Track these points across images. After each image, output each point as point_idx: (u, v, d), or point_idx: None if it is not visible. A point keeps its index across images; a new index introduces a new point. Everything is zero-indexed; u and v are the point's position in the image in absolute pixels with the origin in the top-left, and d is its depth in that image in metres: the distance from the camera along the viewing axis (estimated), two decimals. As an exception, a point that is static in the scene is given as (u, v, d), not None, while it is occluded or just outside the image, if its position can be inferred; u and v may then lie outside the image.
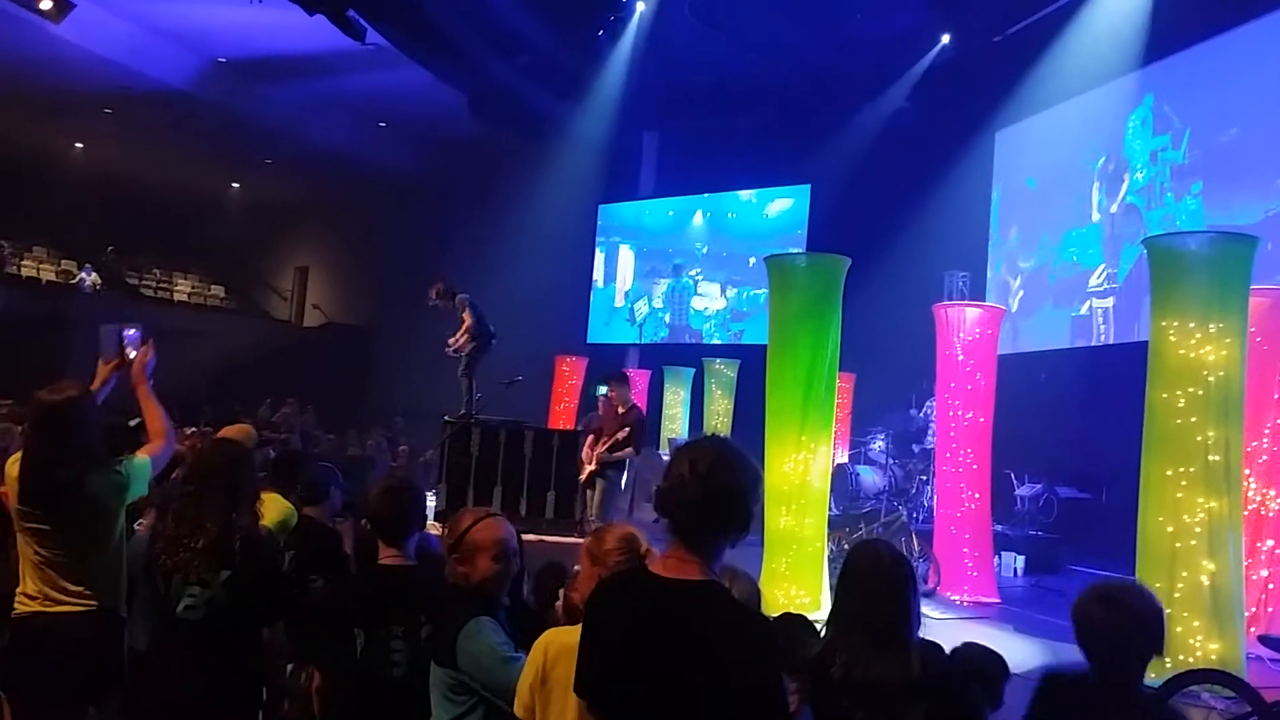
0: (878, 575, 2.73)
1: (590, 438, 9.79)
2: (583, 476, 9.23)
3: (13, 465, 3.50)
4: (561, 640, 2.56)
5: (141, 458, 3.58)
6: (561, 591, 3.15)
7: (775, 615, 2.81)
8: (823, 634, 2.77)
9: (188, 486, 3.47)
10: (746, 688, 2.06)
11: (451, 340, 10.83)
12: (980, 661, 3.10)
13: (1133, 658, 2.67)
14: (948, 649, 2.96)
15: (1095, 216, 13.49)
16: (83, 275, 22.24)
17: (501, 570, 2.96)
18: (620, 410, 9.15)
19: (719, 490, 2.16)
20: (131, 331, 3.76)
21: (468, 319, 10.68)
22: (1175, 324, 6.31)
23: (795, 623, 3.09)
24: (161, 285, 26.10)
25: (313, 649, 3.29)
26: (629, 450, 9.01)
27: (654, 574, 2.20)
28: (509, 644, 2.82)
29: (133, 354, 3.75)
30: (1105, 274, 13.11)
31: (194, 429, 9.43)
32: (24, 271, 22.95)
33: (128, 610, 3.57)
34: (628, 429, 9.11)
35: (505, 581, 2.99)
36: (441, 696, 2.87)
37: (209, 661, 3.26)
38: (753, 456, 2.28)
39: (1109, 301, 12.98)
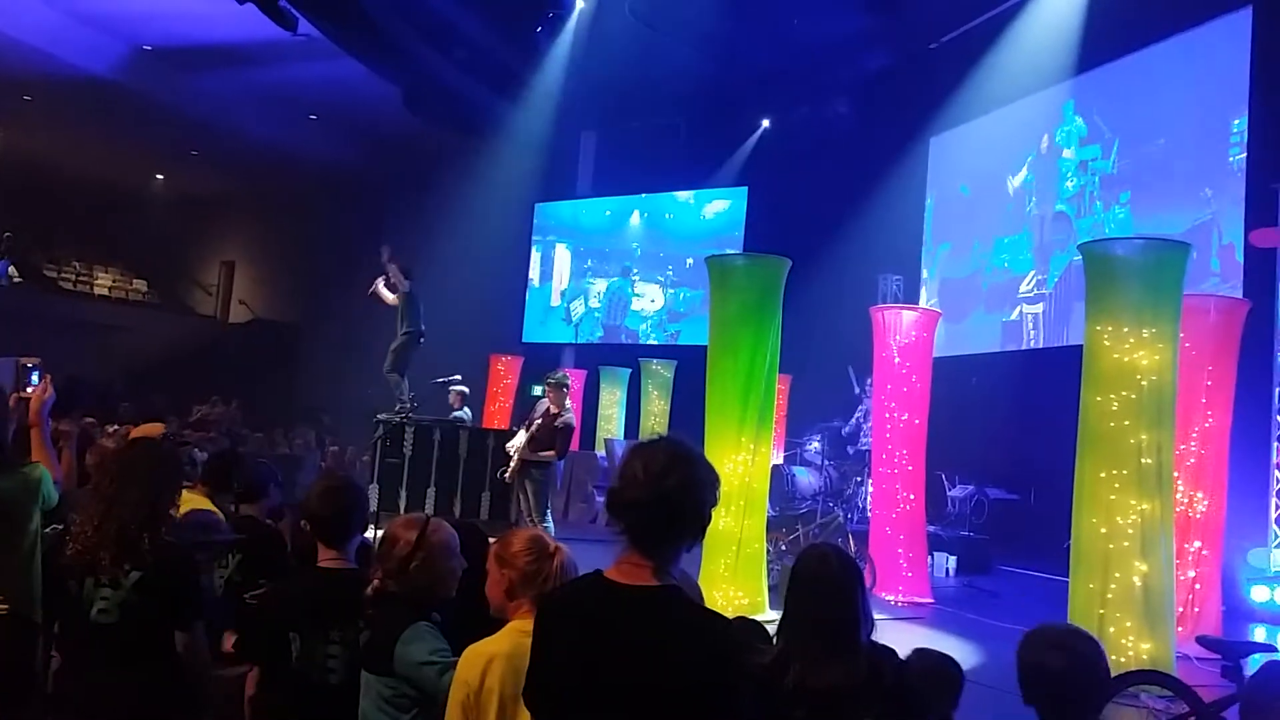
0: (828, 579, 2.67)
1: (522, 431, 9.55)
2: (508, 475, 9.06)
3: None
4: (484, 650, 2.50)
5: (47, 470, 3.45)
6: None
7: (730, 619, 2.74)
8: (774, 641, 2.70)
9: (100, 485, 3.30)
10: (707, 695, 2.00)
11: (376, 287, 10.77)
12: (936, 668, 3.06)
13: (1089, 709, 2.55)
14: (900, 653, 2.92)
15: (1026, 224, 13.73)
16: (-1, 266, 21.50)
17: (457, 570, 2.90)
18: (553, 411, 9.01)
19: (672, 491, 2.07)
20: (30, 364, 3.64)
21: (394, 300, 10.62)
22: (1109, 328, 6.40)
23: (748, 628, 3.03)
24: (81, 278, 25.35)
25: (250, 652, 3.15)
26: (547, 454, 8.87)
27: (609, 580, 2.11)
28: (447, 651, 2.73)
29: (31, 390, 3.61)
30: (1035, 280, 13.35)
31: (114, 427, 9.11)
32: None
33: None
34: (545, 431, 8.94)
35: (445, 587, 2.91)
36: (375, 707, 2.77)
37: (126, 667, 3.10)
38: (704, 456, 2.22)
39: (1039, 307, 13.23)
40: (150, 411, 13.16)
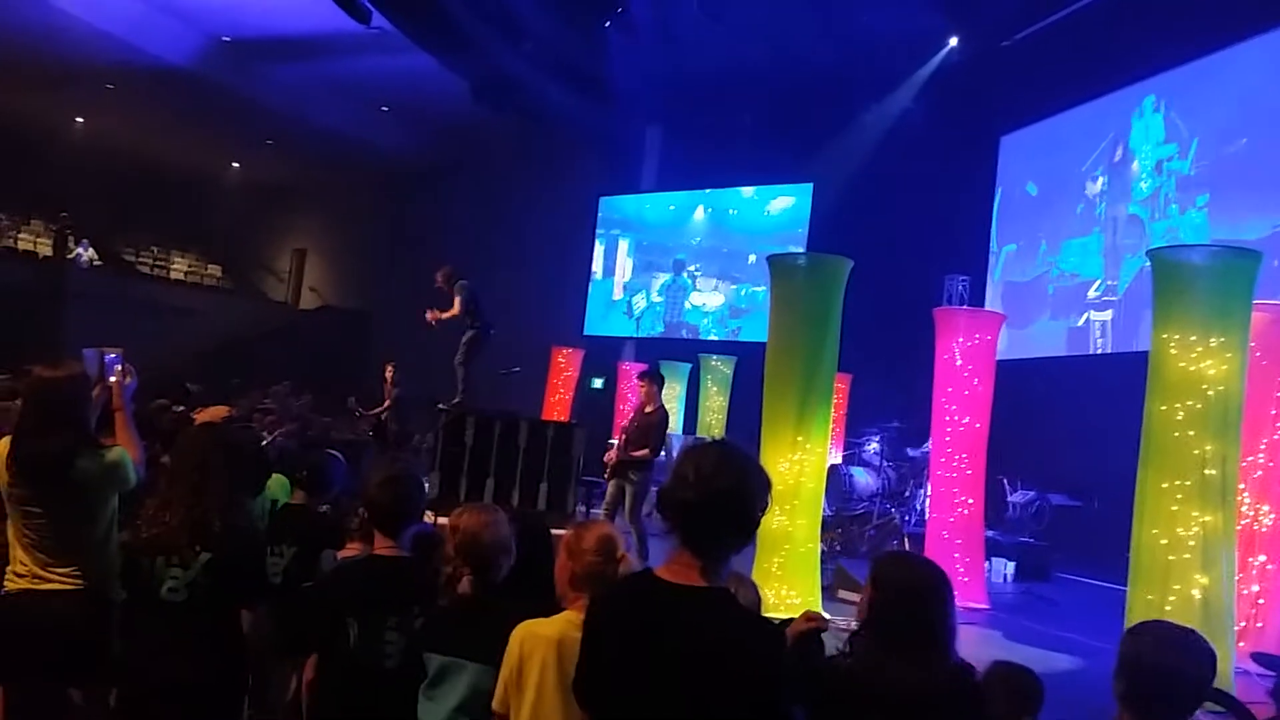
0: (918, 584, 2.60)
1: (621, 437, 9.46)
2: (606, 475, 8.98)
3: (4, 443, 3.49)
4: (535, 631, 2.58)
5: (126, 451, 3.56)
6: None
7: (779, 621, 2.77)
8: (848, 646, 2.67)
9: (171, 467, 3.43)
10: (750, 697, 2.05)
11: (431, 314, 10.84)
12: (1016, 680, 3.06)
13: (1184, 712, 2.47)
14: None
15: (1096, 226, 13.44)
16: (79, 250, 22.14)
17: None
18: (646, 410, 8.94)
19: (720, 492, 2.13)
20: (112, 355, 3.75)
21: (456, 305, 10.68)
22: (1176, 336, 6.29)
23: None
24: (158, 263, 26.02)
25: (308, 638, 3.26)
26: (644, 451, 8.73)
27: (659, 579, 2.17)
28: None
29: (113, 379, 3.73)
30: (1104, 286, 13.06)
31: (181, 408, 9.33)
32: (20, 245, 22.85)
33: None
34: (639, 430, 8.85)
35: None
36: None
37: (193, 644, 3.22)
38: (757, 460, 2.26)
39: (1107, 314, 12.94)
40: (221, 395, 13.49)
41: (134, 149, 24.36)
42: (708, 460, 2.18)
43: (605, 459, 9.07)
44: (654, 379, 9.10)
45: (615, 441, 8.99)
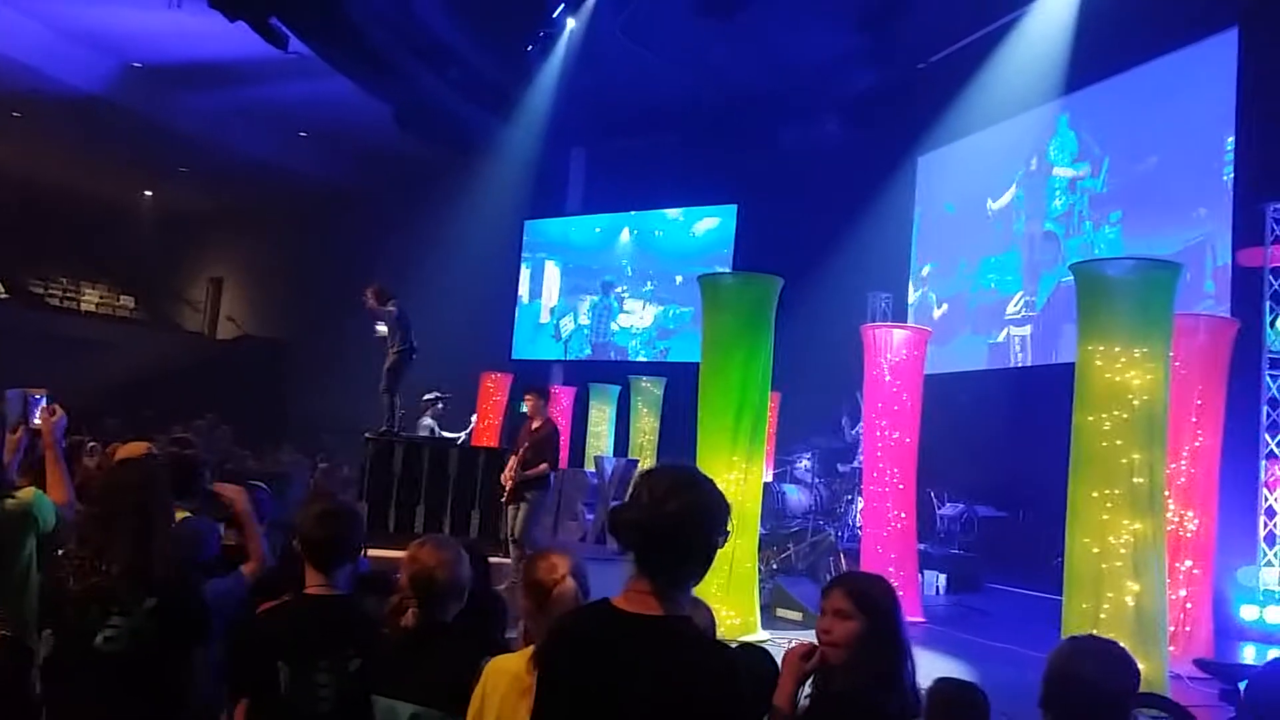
0: (893, 607, 2.52)
1: (513, 457, 9.56)
2: (504, 498, 9.00)
3: None
4: (501, 667, 2.51)
5: (43, 494, 3.44)
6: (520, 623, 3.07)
7: (734, 646, 2.71)
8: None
9: (94, 509, 3.25)
10: None
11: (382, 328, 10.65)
12: (960, 697, 3.03)
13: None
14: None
15: (1013, 243, 13.72)
16: (-16, 283, 21.41)
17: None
18: (534, 426, 8.98)
19: (672, 515, 2.06)
20: (38, 395, 3.66)
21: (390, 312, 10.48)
22: (1101, 348, 6.40)
23: (755, 655, 2.99)
24: (68, 295, 25.25)
25: (238, 682, 3.11)
26: (542, 466, 8.78)
27: (615, 609, 2.10)
28: None
29: (37, 421, 3.63)
30: (1023, 301, 13.32)
31: (93, 442, 9.00)
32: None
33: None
34: (532, 447, 8.88)
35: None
36: None
37: (126, 696, 3.05)
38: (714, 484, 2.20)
39: (1026, 329, 13.19)
40: (138, 428, 13.07)
41: (42, 178, 23.60)
42: (661, 483, 2.11)
43: (502, 479, 9.07)
44: (539, 393, 9.18)
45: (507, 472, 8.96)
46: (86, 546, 3.10)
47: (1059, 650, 2.52)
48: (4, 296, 21.69)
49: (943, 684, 3.13)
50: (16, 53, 16.55)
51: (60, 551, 3.49)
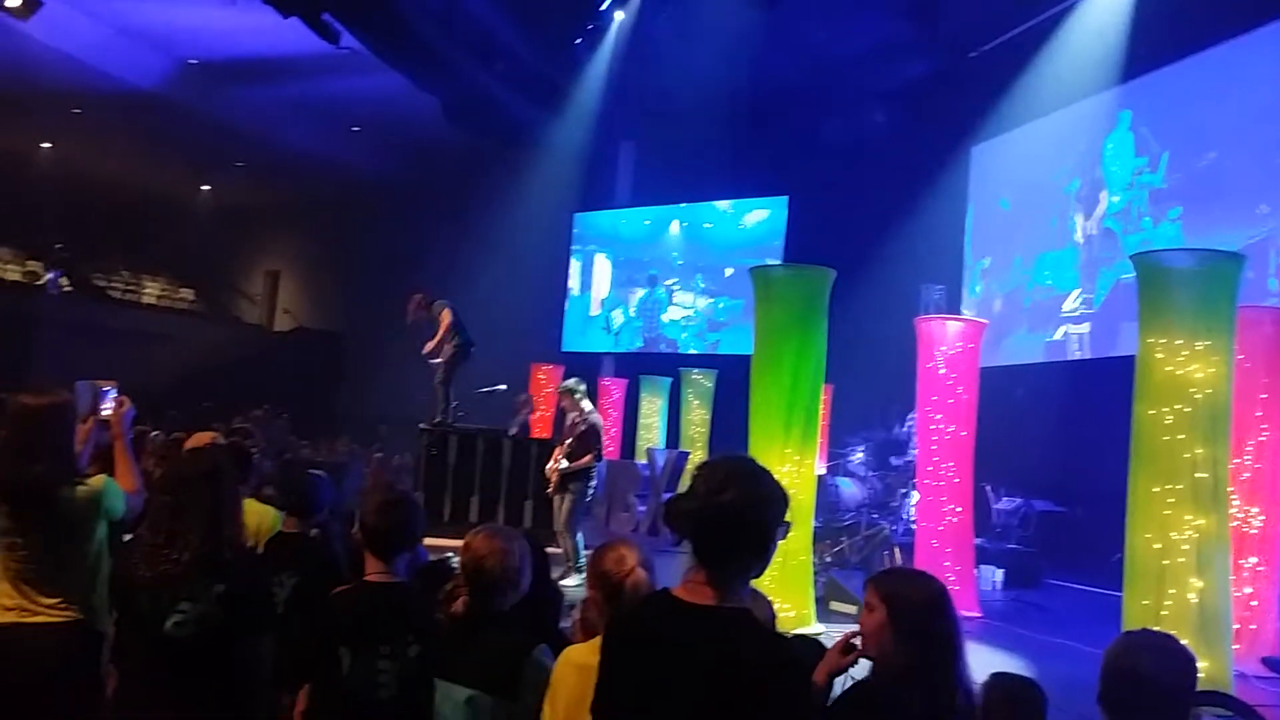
0: (934, 603, 2.52)
1: (555, 450, 9.65)
2: (550, 489, 9.12)
3: None
4: (571, 659, 2.53)
5: (113, 482, 3.53)
6: (575, 612, 3.10)
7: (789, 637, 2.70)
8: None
9: (164, 496, 3.33)
10: (770, 718, 1.98)
11: (429, 344, 10.70)
12: (1018, 693, 2.99)
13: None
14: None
15: (1071, 240, 13.45)
16: (50, 276, 21.88)
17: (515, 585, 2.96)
18: (574, 421, 9.09)
19: (727, 506, 2.07)
20: (107, 388, 3.76)
21: (446, 320, 10.56)
22: (1162, 341, 6.30)
23: (809, 647, 2.99)
24: (129, 288, 25.75)
25: (300, 668, 3.17)
26: (584, 460, 8.88)
27: (675, 599, 2.12)
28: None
29: (107, 411, 3.73)
30: (1081, 299, 13.06)
31: (156, 432, 9.22)
32: (-12, 273, 22.58)
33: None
34: (575, 441, 9.00)
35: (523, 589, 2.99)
36: None
37: (194, 681, 3.12)
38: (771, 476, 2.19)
39: (1084, 327, 12.94)
40: (198, 419, 13.32)
41: (103, 174, 24.11)
42: (717, 473, 2.13)
43: (546, 472, 9.18)
44: (569, 392, 9.24)
45: (552, 466, 9.08)
46: (157, 534, 3.18)
47: (1116, 646, 2.49)
48: (68, 290, 22.15)
49: (999, 678, 3.11)
50: (76, 50, 16.88)
51: (127, 538, 3.59)
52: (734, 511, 2.08)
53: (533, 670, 2.75)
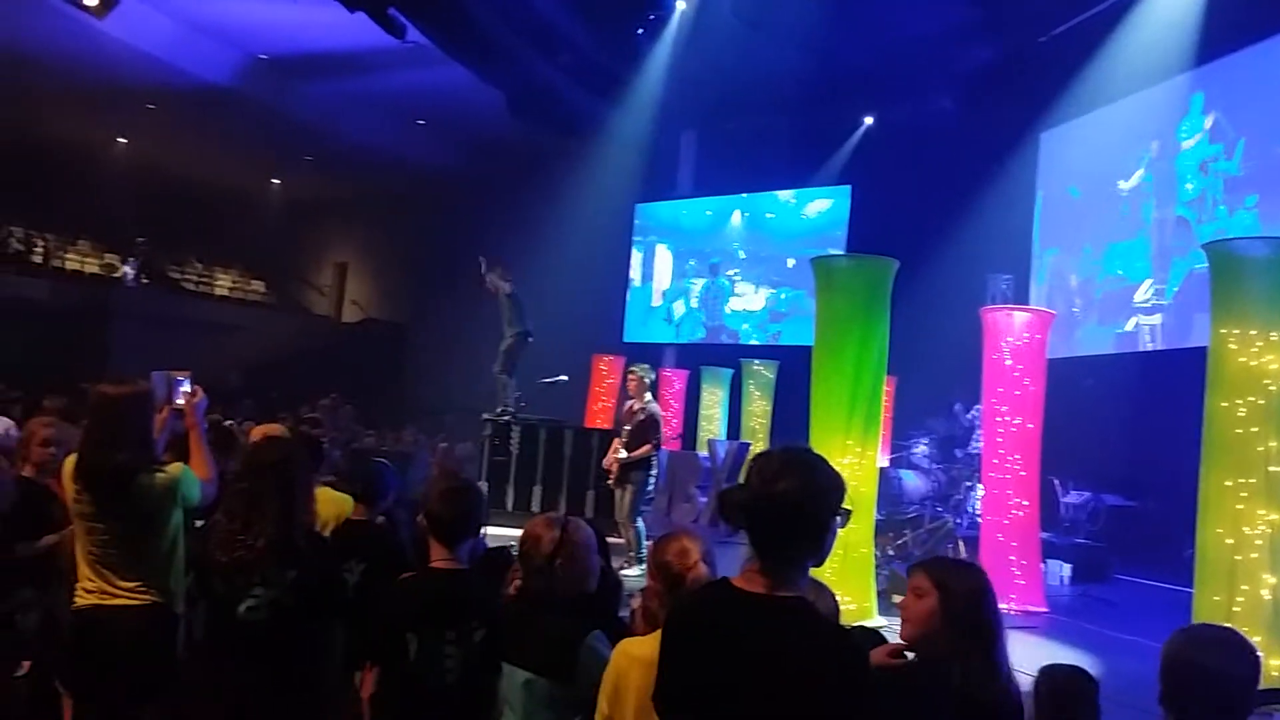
0: (981, 590, 2.64)
1: (615, 440, 9.73)
2: (610, 480, 9.18)
3: (70, 461, 3.54)
4: (631, 651, 2.55)
5: (189, 470, 3.63)
6: (635, 601, 3.14)
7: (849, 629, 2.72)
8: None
9: (241, 483, 3.44)
10: (827, 708, 1.99)
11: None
12: (1067, 684, 2.98)
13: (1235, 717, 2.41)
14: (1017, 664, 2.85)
15: (1142, 229, 13.14)
16: (125, 269, 22.47)
17: (596, 570, 3.02)
18: (633, 408, 9.13)
19: (780, 494, 2.08)
20: (181, 378, 3.86)
21: (505, 289, 10.76)
22: (1235, 331, 6.16)
23: (867, 638, 3.00)
24: (203, 279, 26.35)
25: (368, 652, 3.25)
26: (645, 449, 8.91)
27: (733, 588, 2.14)
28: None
29: (181, 401, 3.84)
30: (1153, 289, 12.75)
31: (230, 421, 9.44)
32: (68, 265, 23.22)
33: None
34: (634, 430, 9.04)
35: (587, 585, 3.01)
36: (541, 706, 2.85)
37: (267, 663, 3.22)
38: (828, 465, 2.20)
39: (1156, 318, 12.62)
40: (269, 409, 13.61)
41: (176, 168, 24.68)
42: (772, 463, 2.14)
43: (605, 464, 9.23)
44: (641, 377, 9.30)
45: (612, 456, 9.14)
46: (233, 519, 3.29)
47: (1177, 641, 2.45)
48: (145, 282, 22.74)
49: (1051, 669, 3.12)
50: (149, 46, 17.27)
51: (200, 524, 3.71)
52: (789, 501, 2.08)
53: (587, 656, 2.79)
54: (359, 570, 4.01)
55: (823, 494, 2.13)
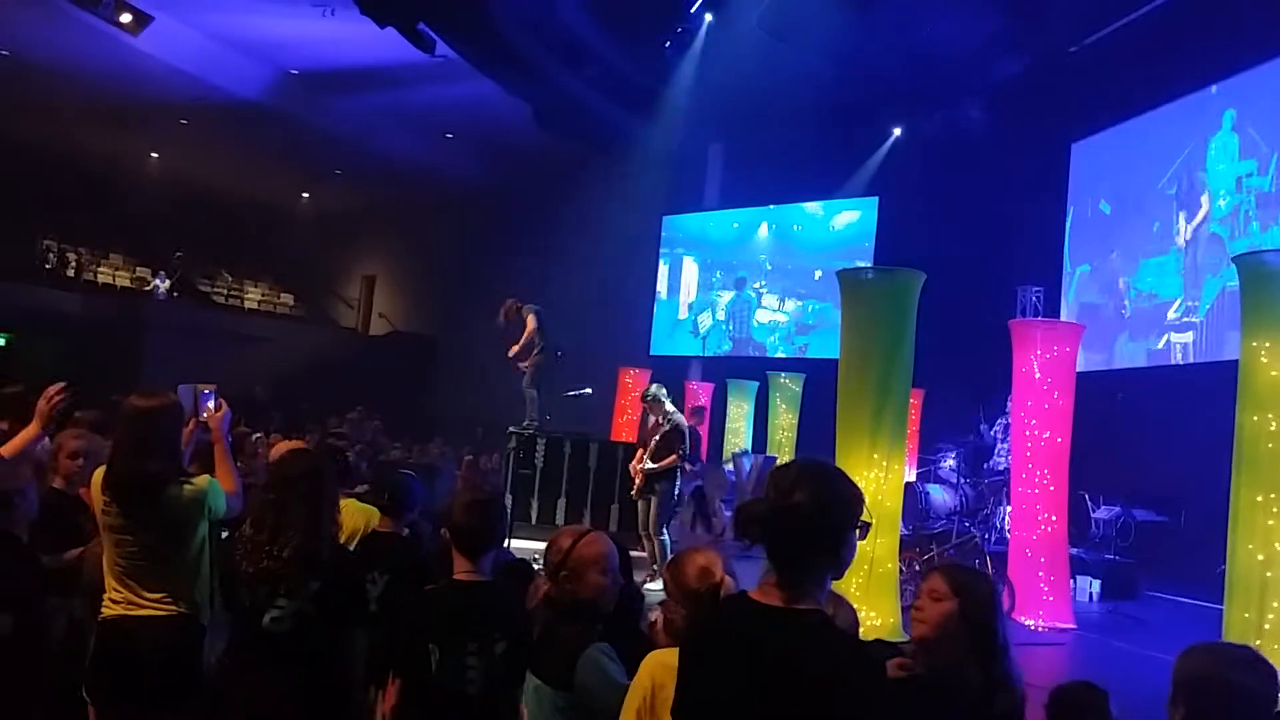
0: (993, 598, 2.69)
1: (640, 451, 9.72)
2: (634, 491, 9.18)
3: (99, 473, 3.58)
4: (664, 661, 2.55)
5: (216, 482, 3.66)
6: (654, 614, 3.14)
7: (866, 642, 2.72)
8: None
9: (269, 494, 3.47)
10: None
11: (514, 347, 10.91)
12: (1075, 702, 2.96)
13: None
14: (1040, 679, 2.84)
15: (1175, 244, 12.98)
16: (156, 282, 22.72)
17: (609, 585, 2.99)
18: (659, 423, 9.14)
19: (795, 506, 2.07)
20: (207, 391, 3.90)
21: (531, 325, 10.76)
22: (1267, 344, 6.08)
23: (884, 651, 2.98)
24: (233, 292, 26.60)
25: (392, 664, 3.26)
26: (670, 459, 8.91)
27: (751, 601, 2.13)
28: (621, 669, 2.83)
29: (206, 415, 3.88)
30: (1184, 307, 12.59)
31: (259, 434, 9.52)
32: (100, 278, 23.52)
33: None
34: (659, 441, 9.05)
35: (612, 597, 2.99)
36: (548, 714, 2.91)
37: (291, 674, 3.24)
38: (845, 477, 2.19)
39: (1188, 336, 12.47)
40: (298, 420, 13.71)
41: (207, 182, 24.97)
42: (787, 476, 2.14)
43: (631, 469, 9.31)
44: (653, 400, 9.36)
45: (636, 465, 9.19)
46: (260, 530, 3.32)
47: (1197, 659, 2.40)
48: (175, 294, 22.98)
49: (1058, 690, 3.13)
50: (182, 63, 17.51)
51: (226, 535, 3.74)
52: (803, 514, 2.07)
53: (587, 667, 2.80)
54: (383, 581, 4.03)
55: (838, 506, 2.11)
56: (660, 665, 2.56)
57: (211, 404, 3.87)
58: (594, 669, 2.77)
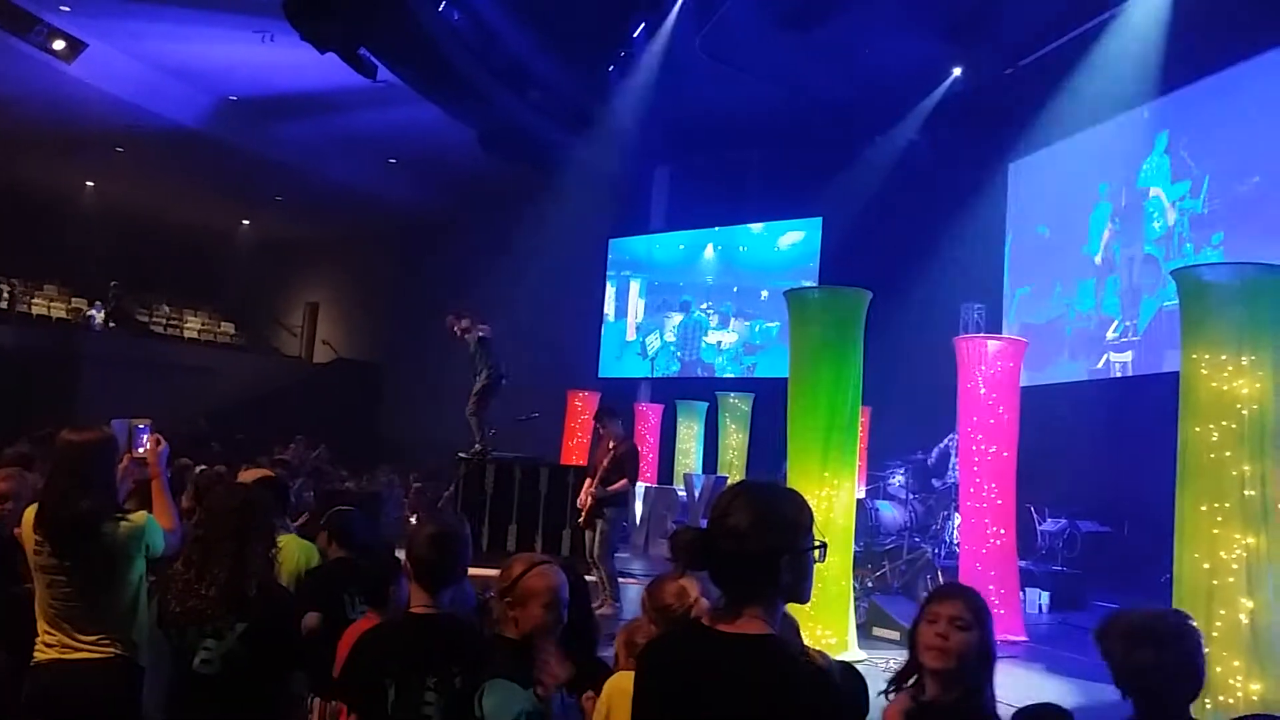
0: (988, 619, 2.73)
1: (589, 478, 9.56)
2: (581, 520, 9.02)
3: (30, 512, 3.45)
4: (619, 685, 2.55)
5: (154, 519, 3.56)
6: (619, 636, 3.10)
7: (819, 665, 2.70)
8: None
9: (198, 530, 3.37)
10: None
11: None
12: (1041, 715, 2.96)
13: (1177, 698, 2.51)
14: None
15: (1111, 266, 13.21)
16: (93, 313, 22.26)
17: (551, 620, 2.88)
18: (610, 445, 9.03)
19: (731, 529, 2.04)
20: (142, 425, 3.79)
21: (474, 337, 10.66)
22: (1206, 356, 6.19)
23: (847, 675, 2.95)
24: (171, 322, 26.13)
25: (346, 699, 3.17)
26: (621, 483, 8.82)
27: (700, 625, 2.12)
28: (526, 699, 2.74)
29: (142, 450, 3.77)
30: (1122, 327, 12.83)
31: (203, 468, 9.30)
32: (34, 310, 22.99)
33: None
34: (611, 464, 8.93)
35: (552, 631, 2.91)
36: None
37: (225, 716, 3.13)
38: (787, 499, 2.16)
39: (1127, 355, 12.68)
40: (238, 451, 13.46)
41: (145, 210, 24.56)
42: (724, 498, 2.12)
43: (579, 502, 9.07)
44: (608, 417, 9.25)
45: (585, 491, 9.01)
46: (189, 568, 3.22)
47: (1108, 633, 2.57)
48: (111, 325, 22.53)
49: (1030, 707, 3.13)
50: (119, 90, 17.23)
51: (158, 576, 3.63)
52: (739, 535, 2.03)
53: (486, 700, 2.74)
54: (318, 619, 3.92)
55: (776, 528, 2.06)
56: (617, 689, 2.56)
57: (147, 438, 3.76)
58: (493, 700, 2.73)
